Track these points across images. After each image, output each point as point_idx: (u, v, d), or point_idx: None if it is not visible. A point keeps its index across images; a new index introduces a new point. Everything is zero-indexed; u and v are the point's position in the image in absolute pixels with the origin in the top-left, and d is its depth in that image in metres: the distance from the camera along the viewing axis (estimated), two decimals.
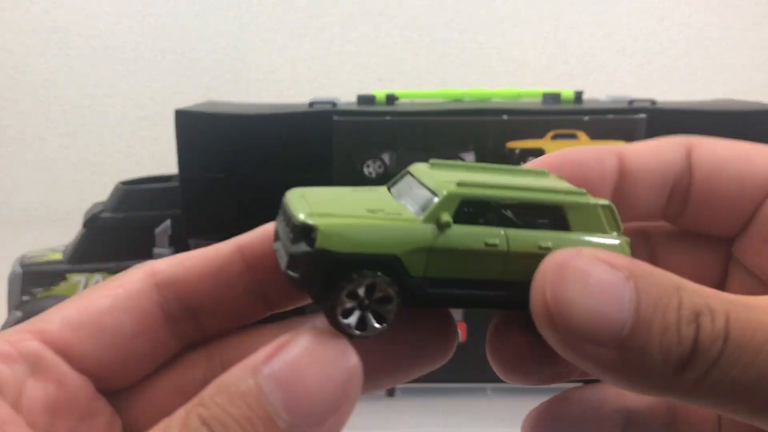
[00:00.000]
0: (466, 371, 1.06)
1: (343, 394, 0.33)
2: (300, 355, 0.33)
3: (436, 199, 0.39)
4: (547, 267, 0.35)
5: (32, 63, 1.57)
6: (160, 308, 0.41)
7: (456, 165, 0.45)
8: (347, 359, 0.34)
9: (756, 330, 0.32)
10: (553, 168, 0.46)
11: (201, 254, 0.44)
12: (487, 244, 0.38)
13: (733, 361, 0.32)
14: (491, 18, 1.51)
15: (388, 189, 0.44)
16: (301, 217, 0.35)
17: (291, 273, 0.35)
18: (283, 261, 0.36)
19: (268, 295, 0.43)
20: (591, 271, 0.33)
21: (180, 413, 0.31)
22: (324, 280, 0.35)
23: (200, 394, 0.32)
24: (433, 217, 0.38)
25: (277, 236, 0.39)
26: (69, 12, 1.56)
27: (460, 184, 0.39)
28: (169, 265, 0.43)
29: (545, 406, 0.49)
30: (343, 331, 0.36)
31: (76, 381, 0.38)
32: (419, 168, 0.44)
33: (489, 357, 0.44)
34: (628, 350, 0.32)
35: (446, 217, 0.38)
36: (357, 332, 0.36)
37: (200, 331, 0.44)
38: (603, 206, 0.41)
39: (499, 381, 0.46)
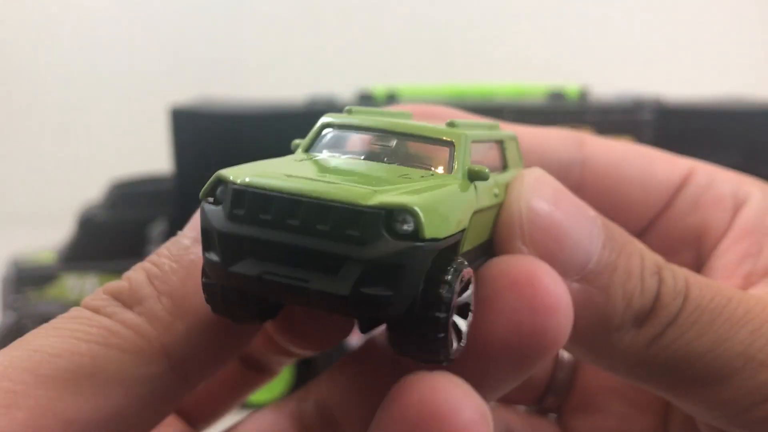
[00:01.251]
0: None
1: None
2: None
3: (450, 150, 0.29)
4: (525, 178, 0.32)
5: (23, 59, 1.54)
6: None
7: (370, 111, 0.35)
8: None
9: (715, 295, 0.32)
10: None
11: None
12: (495, 196, 0.30)
13: (691, 322, 0.31)
14: (495, 11, 1.47)
15: (306, 152, 0.33)
16: (378, 198, 0.23)
17: (374, 292, 0.22)
18: (331, 282, 0.22)
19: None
20: (563, 195, 0.32)
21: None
22: (420, 287, 0.24)
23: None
24: (467, 171, 0.28)
25: (250, 253, 0.26)
26: (61, 8, 1.52)
27: (454, 125, 0.30)
28: None
29: None
30: (441, 362, 0.26)
31: None
32: (348, 119, 0.33)
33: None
34: (591, 286, 0.31)
35: (479, 167, 0.28)
36: (459, 347, 0.26)
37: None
38: (515, 138, 0.36)
39: None
